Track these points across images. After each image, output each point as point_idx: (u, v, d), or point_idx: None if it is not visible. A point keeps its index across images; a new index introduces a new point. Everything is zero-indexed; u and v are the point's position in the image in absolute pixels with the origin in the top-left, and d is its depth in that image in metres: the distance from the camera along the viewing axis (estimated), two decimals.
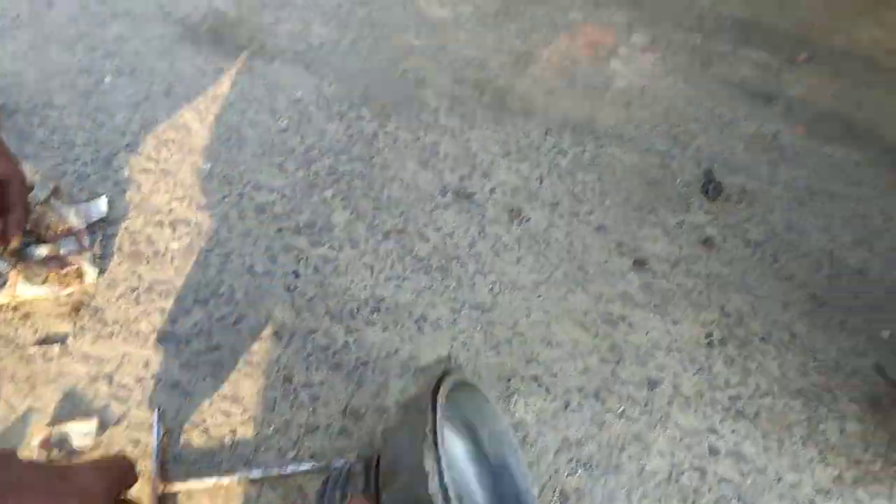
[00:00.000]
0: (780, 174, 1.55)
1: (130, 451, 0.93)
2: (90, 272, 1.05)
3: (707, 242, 1.37)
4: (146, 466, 0.91)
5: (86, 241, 1.08)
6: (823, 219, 1.46)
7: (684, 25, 1.91)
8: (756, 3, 2.05)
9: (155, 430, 0.92)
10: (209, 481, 0.89)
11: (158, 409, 0.95)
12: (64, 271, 1.03)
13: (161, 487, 0.87)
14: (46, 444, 0.90)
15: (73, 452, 0.90)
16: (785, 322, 1.27)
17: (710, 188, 1.46)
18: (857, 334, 1.27)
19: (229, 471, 0.92)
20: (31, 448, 0.91)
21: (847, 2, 2.15)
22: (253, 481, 0.92)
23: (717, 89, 1.73)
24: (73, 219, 1.08)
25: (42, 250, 1.03)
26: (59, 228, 1.06)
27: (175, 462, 0.94)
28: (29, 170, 1.16)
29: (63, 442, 0.90)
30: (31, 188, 1.06)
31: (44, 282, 1.01)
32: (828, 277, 1.35)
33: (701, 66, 1.79)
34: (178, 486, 0.88)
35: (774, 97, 1.75)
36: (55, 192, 1.11)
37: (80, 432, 0.91)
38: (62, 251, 1.05)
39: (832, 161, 1.61)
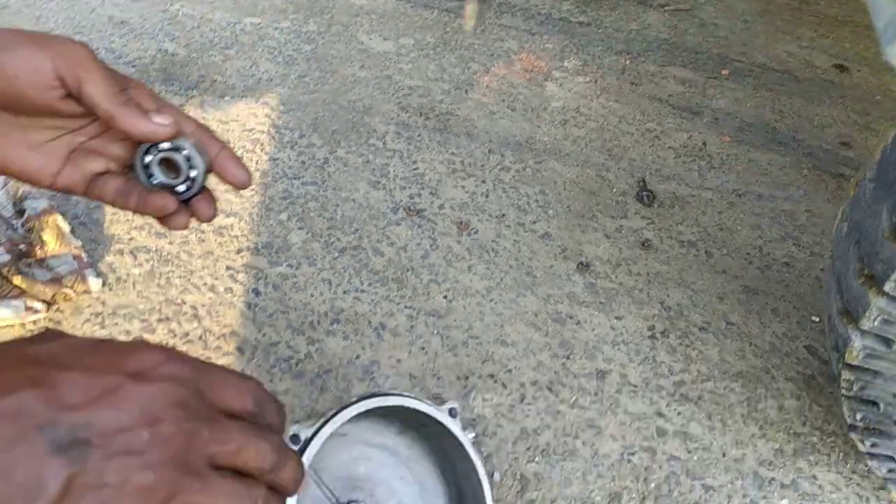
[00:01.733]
0: (710, 180, 1.65)
1: None
2: (94, 282, 1.10)
3: (645, 244, 1.46)
4: None
5: (84, 257, 1.13)
6: (752, 217, 1.57)
7: (613, 49, 2.03)
8: (679, 26, 2.19)
9: None
10: None
11: None
12: (70, 286, 1.08)
13: None
14: None
15: None
16: (722, 312, 1.35)
17: (645, 196, 1.56)
18: (788, 319, 1.36)
19: None
20: None
21: (763, 21, 2.30)
22: None
23: (647, 105, 1.84)
24: (71, 238, 1.14)
25: (43, 271, 1.08)
26: (54, 250, 1.12)
27: None
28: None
29: None
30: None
31: (52, 297, 1.07)
32: (759, 269, 1.45)
33: (631, 85, 1.90)
34: None
35: (700, 110, 1.86)
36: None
37: None
38: (60, 269, 1.10)
39: (758, 165, 1.72)
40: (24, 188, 1.18)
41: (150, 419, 0.38)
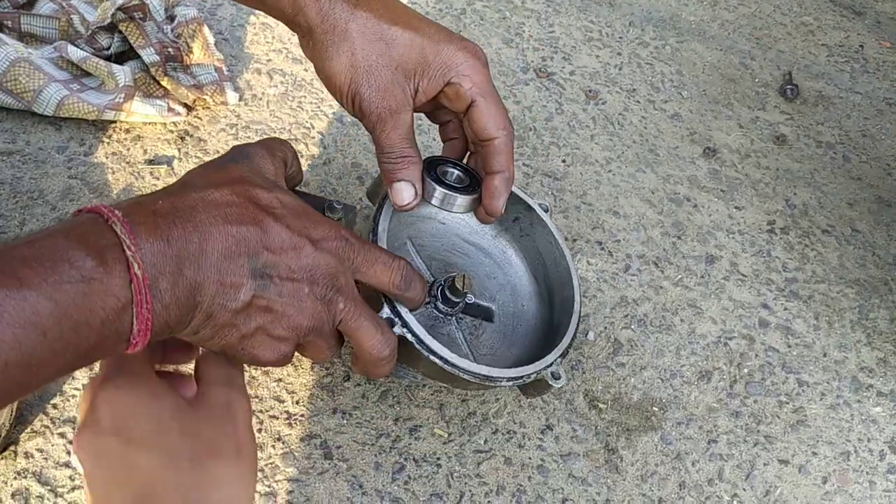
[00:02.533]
0: (861, 84, 1.55)
1: None
2: (231, 95, 1.16)
3: (779, 139, 1.39)
4: None
5: (225, 70, 1.18)
6: None
7: None
8: None
9: None
10: None
11: None
12: (210, 95, 1.14)
13: None
14: None
15: None
16: (849, 218, 1.29)
17: (789, 89, 1.48)
18: None
19: None
20: None
21: None
22: None
23: None
24: (215, 50, 1.19)
25: (187, 77, 1.14)
26: (199, 58, 1.17)
27: None
28: None
29: None
30: None
31: (193, 102, 1.12)
32: None
33: None
34: None
35: (864, 10, 1.72)
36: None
37: None
38: (202, 77, 1.15)
39: None
40: None
41: (311, 279, 0.52)
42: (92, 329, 0.39)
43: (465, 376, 0.71)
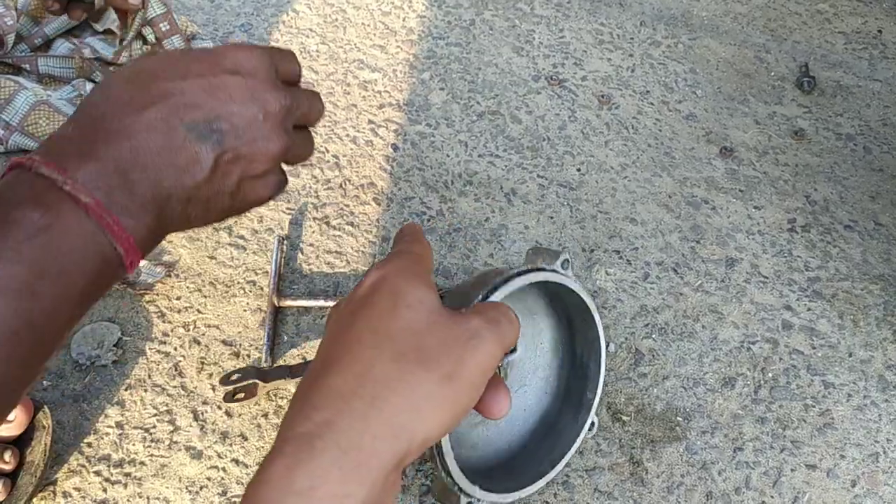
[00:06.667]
0: (880, 71, 1.52)
1: (248, 290, 1.04)
2: None
3: (798, 133, 1.38)
4: (266, 286, 1.03)
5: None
6: None
7: None
8: None
9: (275, 253, 1.06)
10: (318, 302, 1.02)
11: (279, 237, 1.08)
12: None
13: (277, 301, 1.02)
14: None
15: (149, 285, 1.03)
16: (872, 211, 1.28)
17: (805, 82, 1.46)
18: None
19: (335, 297, 1.04)
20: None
21: None
22: None
23: None
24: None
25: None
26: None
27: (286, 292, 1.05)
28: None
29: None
30: None
31: None
32: None
33: None
34: (289, 302, 1.03)
35: None
36: None
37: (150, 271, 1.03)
38: None
39: None
40: None
41: (258, 102, 0.49)
42: (78, 269, 0.40)
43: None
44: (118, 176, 0.42)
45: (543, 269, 0.78)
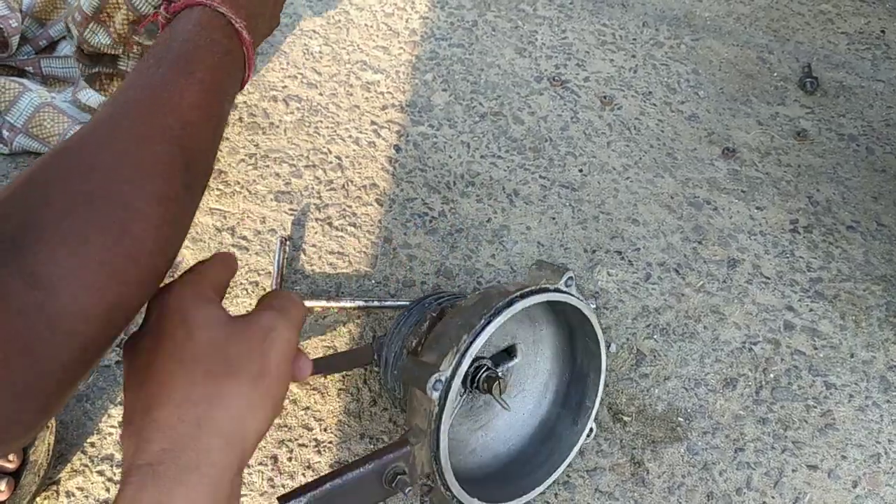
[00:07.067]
0: (883, 71, 1.52)
1: (250, 291, 1.05)
2: None
3: (800, 134, 1.38)
4: (268, 287, 1.03)
5: None
6: None
7: None
8: None
9: (277, 254, 1.06)
10: (320, 303, 1.02)
11: (281, 237, 1.08)
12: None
13: None
14: None
15: None
16: (874, 212, 1.28)
17: (808, 82, 1.46)
18: None
19: (337, 297, 1.05)
20: None
21: None
22: (356, 308, 1.04)
23: None
24: None
25: None
26: None
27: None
28: None
29: None
30: None
31: None
32: None
33: None
34: None
35: None
36: None
37: None
38: None
39: None
40: None
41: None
42: (237, 78, 0.58)
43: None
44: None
45: (546, 290, 0.78)
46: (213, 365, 0.45)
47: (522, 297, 0.75)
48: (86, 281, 0.41)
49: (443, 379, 0.72)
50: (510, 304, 0.75)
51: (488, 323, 0.73)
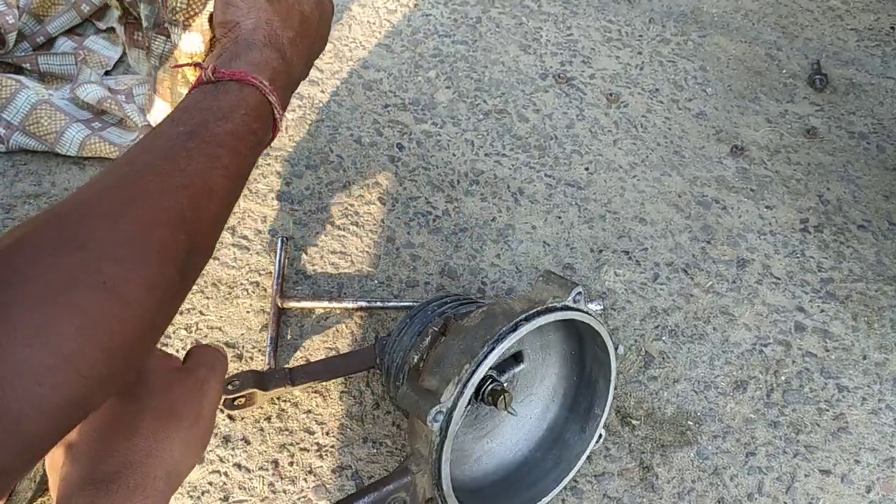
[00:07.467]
0: (893, 68, 1.50)
1: (251, 291, 1.03)
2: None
3: (810, 132, 1.36)
4: (269, 287, 1.02)
5: None
6: None
7: None
8: None
9: (278, 254, 1.04)
10: (322, 304, 1.01)
11: (282, 237, 1.06)
12: None
13: (281, 302, 1.00)
14: None
15: None
16: (886, 211, 1.25)
17: (818, 79, 1.43)
18: None
19: (339, 298, 1.03)
20: None
21: None
22: (358, 309, 1.02)
23: None
24: None
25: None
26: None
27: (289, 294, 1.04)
28: None
29: None
30: None
31: None
32: None
33: None
34: (293, 304, 1.01)
35: None
36: None
37: None
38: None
39: None
40: None
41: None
42: (263, 139, 0.58)
43: None
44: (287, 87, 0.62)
45: (553, 309, 0.75)
46: (159, 407, 0.52)
47: (528, 319, 0.73)
48: (42, 376, 0.37)
49: (444, 410, 0.70)
50: (515, 328, 0.72)
51: (491, 350, 0.71)
